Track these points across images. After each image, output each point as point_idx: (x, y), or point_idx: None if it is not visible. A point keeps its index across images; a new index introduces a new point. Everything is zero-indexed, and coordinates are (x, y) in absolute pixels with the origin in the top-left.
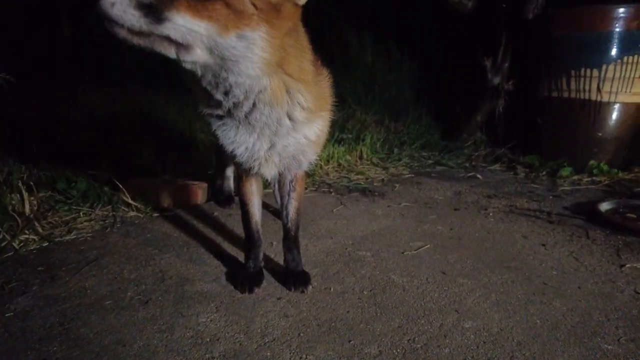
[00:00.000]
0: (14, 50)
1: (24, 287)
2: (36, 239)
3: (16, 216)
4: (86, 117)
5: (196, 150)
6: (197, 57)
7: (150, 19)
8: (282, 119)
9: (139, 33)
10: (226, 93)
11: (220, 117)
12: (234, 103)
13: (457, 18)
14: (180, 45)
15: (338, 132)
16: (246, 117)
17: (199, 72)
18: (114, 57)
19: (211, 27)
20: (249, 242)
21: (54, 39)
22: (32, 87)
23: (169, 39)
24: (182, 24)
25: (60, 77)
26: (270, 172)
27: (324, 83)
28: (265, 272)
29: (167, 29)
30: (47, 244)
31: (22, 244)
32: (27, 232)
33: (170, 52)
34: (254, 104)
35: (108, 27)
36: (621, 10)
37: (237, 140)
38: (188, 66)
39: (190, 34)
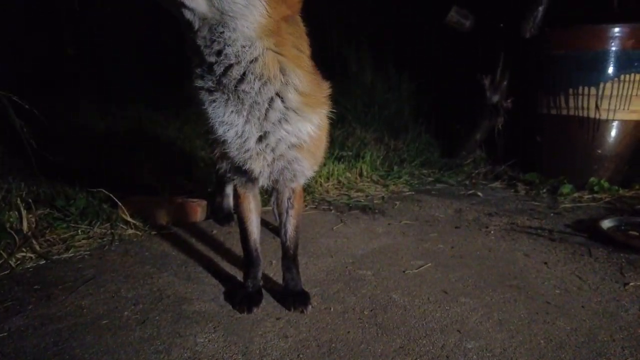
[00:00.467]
0: (16, 69)
1: (19, 306)
2: (33, 257)
3: (14, 234)
4: (87, 134)
5: (196, 168)
6: (196, 4)
7: None
8: (274, 99)
9: None
10: (219, 53)
11: (210, 92)
12: (224, 68)
13: (456, 37)
14: None
15: (338, 150)
16: (235, 88)
17: (196, 25)
18: (116, 76)
19: None
20: (248, 260)
21: (57, 57)
22: (33, 104)
23: None
24: None
25: (62, 95)
26: (262, 170)
27: (324, 85)
28: (264, 291)
29: None
30: (44, 262)
31: (18, 262)
32: (24, 250)
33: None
34: (244, 73)
35: None
36: (616, 29)
37: (227, 120)
38: (187, 15)
39: None
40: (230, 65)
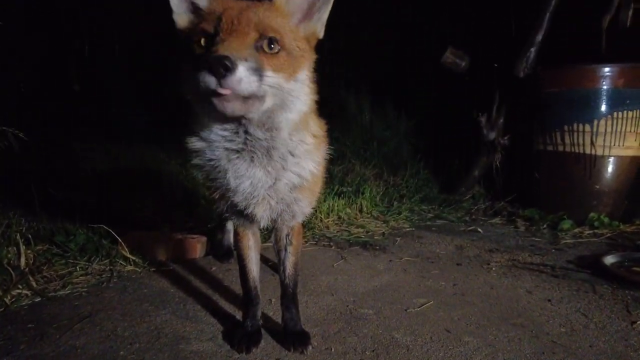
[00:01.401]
0: (23, 105)
1: (11, 346)
2: (29, 294)
3: (10, 270)
4: (89, 171)
5: (197, 204)
6: (266, 105)
7: (257, 79)
8: (297, 146)
9: (245, 97)
10: (269, 129)
11: (234, 151)
12: (270, 136)
13: (452, 76)
14: (258, 99)
15: (338, 185)
16: (268, 151)
17: (256, 118)
18: (120, 113)
19: (281, 75)
20: (247, 299)
21: (63, 94)
22: (38, 141)
23: (255, 96)
24: (270, 76)
25: (66, 132)
26: (264, 215)
27: (322, 122)
28: (263, 331)
29: (263, 84)
30: (39, 299)
31: (13, 300)
32: (20, 287)
33: (254, 109)
34: (287, 134)
35: (218, 105)
36: (606, 69)
37: (247, 174)
38: (254, 116)
39: (271, 85)
40: (277, 135)
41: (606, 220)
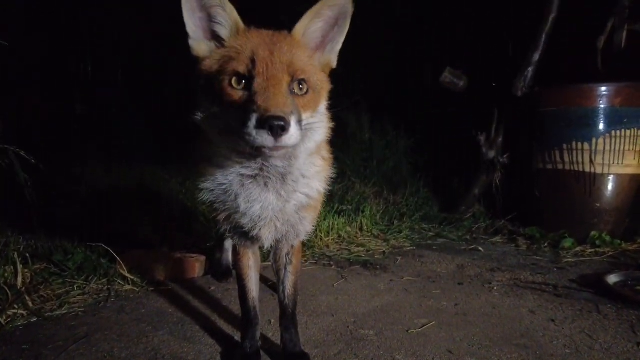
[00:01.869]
0: (26, 125)
1: None
2: (25, 314)
3: (7, 289)
4: (90, 189)
5: (196, 222)
6: (294, 140)
7: (299, 128)
8: (310, 167)
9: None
10: (288, 159)
11: (248, 176)
12: (288, 164)
13: (451, 95)
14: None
15: (338, 204)
16: (283, 177)
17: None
18: (121, 132)
19: (309, 114)
20: (246, 319)
21: (67, 114)
22: (40, 159)
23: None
24: (305, 121)
25: (68, 151)
26: (269, 237)
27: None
28: (262, 352)
29: (302, 130)
30: (35, 319)
31: (9, 320)
32: (16, 306)
33: (290, 151)
34: (303, 160)
35: (268, 155)
36: (603, 88)
37: (259, 198)
38: (281, 153)
39: (305, 128)
40: (296, 162)
41: (608, 238)
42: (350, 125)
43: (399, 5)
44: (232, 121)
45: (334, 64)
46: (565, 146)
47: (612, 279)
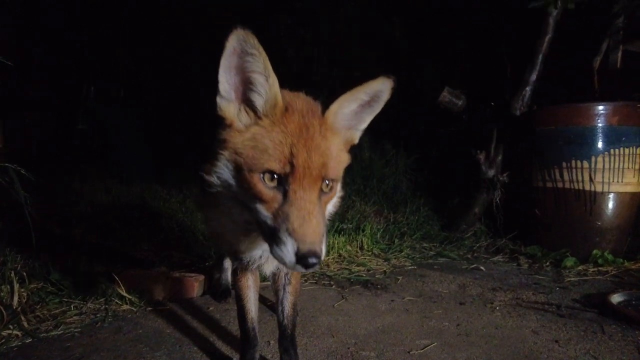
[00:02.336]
0: (26, 140)
1: None
2: (20, 335)
3: (2, 309)
4: (89, 208)
5: (195, 242)
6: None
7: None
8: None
9: None
10: None
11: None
12: None
13: (450, 114)
14: None
15: (338, 222)
16: None
17: None
18: (122, 151)
19: (331, 205)
20: (245, 340)
21: (68, 131)
22: (40, 176)
23: None
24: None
25: (68, 168)
26: (270, 269)
27: None
28: None
29: None
30: (30, 340)
31: (3, 341)
32: (11, 327)
33: None
34: None
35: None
36: (601, 107)
37: (263, 244)
38: None
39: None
40: None
41: (610, 257)
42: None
43: (398, 25)
44: (256, 214)
45: (357, 141)
46: (564, 164)
47: (616, 298)
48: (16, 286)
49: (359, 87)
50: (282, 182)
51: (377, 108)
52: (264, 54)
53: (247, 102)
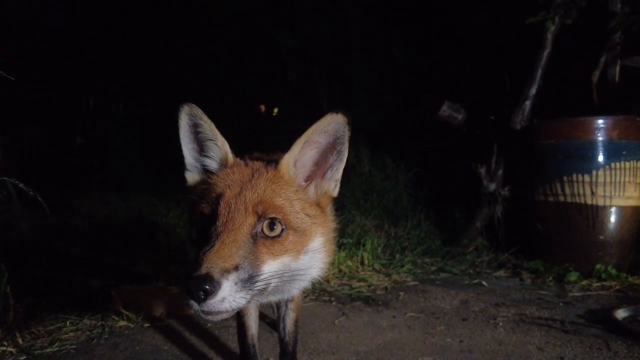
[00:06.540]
0: (25, 154)
1: None
2: (14, 352)
3: None
4: (86, 223)
5: None
6: (231, 305)
7: (246, 290)
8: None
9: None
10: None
11: None
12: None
13: (451, 127)
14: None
15: (338, 237)
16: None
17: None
18: (120, 165)
19: (286, 258)
20: (244, 358)
21: (66, 146)
22: (38, 190)
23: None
24: (267, 272)
25: (66, 182)
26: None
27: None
28: None
29: (256, 288)
30: (25, 357)
31: None
32: (5, 343)
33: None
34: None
35: (202, 316)
36: (600, 121)
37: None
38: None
39: (271, 276)
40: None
41: (614, 272)
42: (349, 158)
43: (398, 39)
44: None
45: (335, 193)
46: (565, 178)
47: (621, 313)
48: (12, 301)
49: (308, 130)
50: (209, 221)
51: (343, 151)
52: (208, 121)
53: (204, 167)
